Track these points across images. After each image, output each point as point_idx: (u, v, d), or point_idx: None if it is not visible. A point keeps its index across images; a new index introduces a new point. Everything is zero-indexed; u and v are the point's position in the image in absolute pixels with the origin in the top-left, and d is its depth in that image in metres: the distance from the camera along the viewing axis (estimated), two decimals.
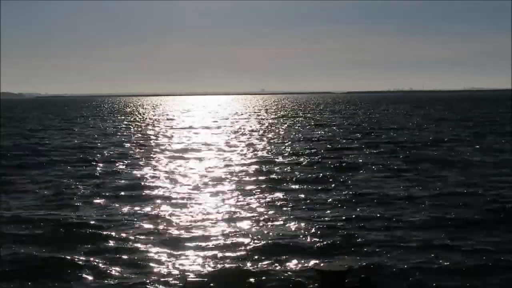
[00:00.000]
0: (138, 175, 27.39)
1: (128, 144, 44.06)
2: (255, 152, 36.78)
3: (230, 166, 30.23)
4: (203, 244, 15.42)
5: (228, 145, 42.72)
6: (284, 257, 14.24)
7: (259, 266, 13.66)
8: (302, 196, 21.65)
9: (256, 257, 14.29)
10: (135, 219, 18.19)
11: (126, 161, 32.92)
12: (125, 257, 14.48)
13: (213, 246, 15.23)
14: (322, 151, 36.91)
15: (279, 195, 21.86)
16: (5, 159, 33.75)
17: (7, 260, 14.20)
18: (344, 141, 43.82)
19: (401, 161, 31.25)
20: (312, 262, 13.42)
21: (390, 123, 68.16)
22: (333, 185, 23.91)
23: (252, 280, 12.82)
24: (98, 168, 29.77)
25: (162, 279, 12.93)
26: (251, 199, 21.20)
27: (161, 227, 17.23)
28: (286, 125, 66.89)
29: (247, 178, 25.93)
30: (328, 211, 19.02)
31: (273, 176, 26.48)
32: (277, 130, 58.18)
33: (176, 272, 13.40)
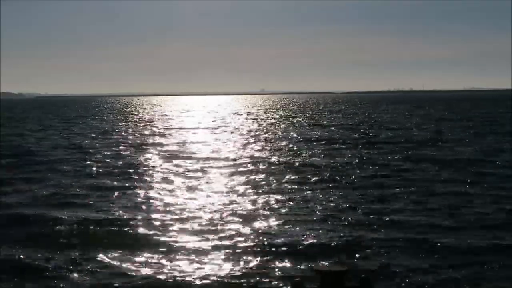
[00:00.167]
0: (136, 175, 27.33)
1: (126, 144, 44.00)
2: (254, 152, 36.73)
3: (228, 166, 30.18)
4: (202, 244, 15.37)
5: (226, 145, 42.67)
6: (283, 257, 14.19)
7: (258, 266, 13.61)
8: (301, 196, 21.60)
9: (255, 257, 14.24)
10: (132, 220, 18.11)
11: (124, 161, 32.89)
12: (123, 257, 14.43)
13: (211, 246, 15.15)
14: (321, 151, 36.86)
15: (278, 194, 21.80)
16: (3, 159, 33.69)
17: (2, 260, 14.14)
18: (342, 141, 43.73)
19: (401, 161, 31.22)
20: (311, 262, 13.38)
21: (390, 123, 68.14)
22: (331, 185, 23.86)
23: (251, 280, 12.77)
24: (94, 169, 29.66)
25: (161, 281, 12.87)
26: (248, 199, 21.13)
27: (158, 227, 17.15)
28: (285, 125, 66.86)
29: (245, 178, 25.87)
30: (328, 211, 18.96)
31: (271, 176, 26.42)
32: (275, 130, 58.15)
33: (175, 273, 13.34)
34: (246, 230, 16.73)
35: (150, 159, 33.63)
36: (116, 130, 61.92)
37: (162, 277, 13.07)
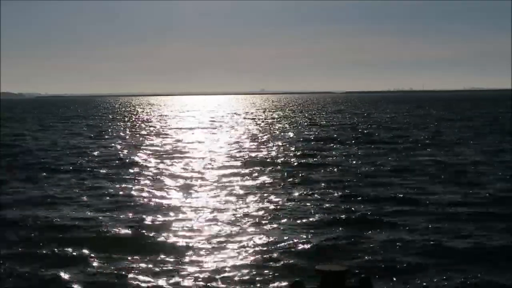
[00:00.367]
0: (133, 175, 27.31)
1: (124, 144, 43.97)
2: (251, 152, 36.72)
3: (224, 166, 30.14)
4: (200, 245, 15.34)
5: (224, 145, 42.65)
6: (283, 257, 14.17)
7: (258, 266, 13.58)
8: (300, 196, 21.57)
9: (254, 257, 14.21)
10: (126, 221, 18.03)
11: (121, 161, 32.87)
12: (117, 259, 14.38)
13: (209, 247, 15.11)
14: (319, 151, 36.85)
15: (277, 194, 21.78)
16: (1, 160, 33.68)
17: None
18: (340, 140, 43.73)
19: (401, 161, 31.19)
20: (311, 262, 13.35)
21: (389, 122, 68.13)
22: (330, 185, 23.83)
23: (251, 280, 12.75)
24: (91, 169, 29.60)
25: (159, 284, 12.85)
26: (245, 199, 21.08)
27: (155, 228, 17.09)
28: (284, 125, 66.85)
29: (241, 178, 25.84)
30: (327, 211, 18.93)
31: (270, 175, 26.40)
32: (274, 130, 58.15)
33: (173, 274, 13.32)
34: (244, 230, 16.70)
35: (146, 159, 33.50)
36: (114, 130, 61.91)
37: (162, 277, 13.05)
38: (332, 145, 40.71)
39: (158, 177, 26.65)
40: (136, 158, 34.06)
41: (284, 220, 17.75)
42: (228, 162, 31.59)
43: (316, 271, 7.06)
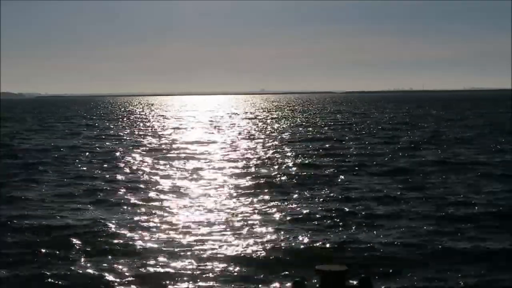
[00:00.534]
0: (130, 175, 27.30)
1: (123, 145, 43.95)
2: (250, 152, 36.70)
3: (224, 166, 30.11)
4: (198, 245, 15.33)
5: (222, 145, 42.63)
6: (283, 257, 14.16)
7: (258, 266, 13.58)
8: (299, 196, 21.56)
9: (254, 257, 14.21)
10: (119, 224, 17.98)
11: (120, 162, 32.85)
12: (109, 262, 14.36)
13: (207, 247, 15.09)
14: (317, 151, 36.82)
15: (275, 195, 21.77)
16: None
17: None
18: (338, 140, 43.70)
19: (400, 161, 31.16)
20: (311, 262, 13.34)
21: (389, 122, 68.08)
22: (331, 185, 23.81)
23: (251, 280, 12.74)
24: (88, 170, 29.56)
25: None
26: (244, 199, 21.07)
27: (153, 228, 17.13)
28: (283, 125, 66.81)
29: (240, 178, 25.81)
30: (326, 211, 18.91)
31: (268, 175, 26.37)
32: (273, 130, 58.11)
33: (171, 276, 13.31)
34: (243, 230, 16.68)
35: (144, 160, 33.42)
36: (114, 130, 61.87)
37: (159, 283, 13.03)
38: (331, 145, 40.67)
39: (157, 177, 26.62)
40: (135, 159, 34.03)
41: (284, 220, 17.74)
42: (227, 162, 31.56)
43: (316, 271, 7.05)
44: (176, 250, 14.85)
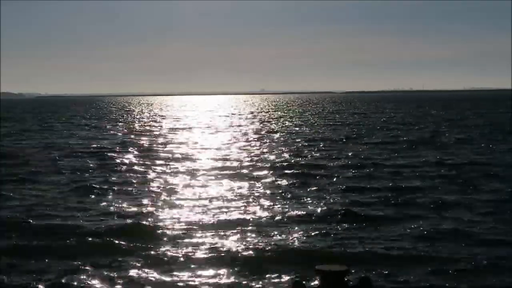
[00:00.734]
0: (127, 175, 27.26)
1: (122, 145, 43.89)
2: (249, 152, 36.67)
3: (222, 165, 30.06)
4: (197, 245, 15.31)
5: (221, 145, 42.60)
6: (283, 257, 14.14)
7: (258, 266, 13.56)
8: (298, 196, 21.53)
9: (254, 257, 14.19)
10: (118, 224, 17.95)
11: (119, 162, 32.84)
12: (103, 264, 14.32)
13: (207, 247, 15.05)
14: (315, 151, 36.81)
15: (274, 195, 21.74)
16: None
17: None
18: (337, 140, 43.68)
19: (400, 161, 31.14)
20: (311, 262, 13.33)
21: (388, 122, 68.05)
22: (330, 185, 23.78)
23: (251, 280, 12.73)
24: (87, 170, 29.53)
25: None
26: (243, 199, 21.02)
27: (150, 229, 17.09)
28: (283, 125, 66.79)
29: (237, 178, 25.76)
30: (326, 211, 18.89)
31: (267, 175, 26.35)
32: (272, 130, 58.09)
33: (169, 277, 13.30)
34: (242, 230, 16.65)
35: (143, 161, 33.30)
36: (113, 131, 61.83)
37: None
38: (330, 145, 40.65)
39: (156, 178, 26.58)
40: (134, 159, 34.00)
41: (283, 220, 17.72)
42: (225, 162, 31.50)
43: (316, 271, 7.05)
44: (174, 250, 14.84)
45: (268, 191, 22.42)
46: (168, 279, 12.89)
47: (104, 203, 20.69)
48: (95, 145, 42.75)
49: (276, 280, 12.70)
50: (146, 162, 32.07)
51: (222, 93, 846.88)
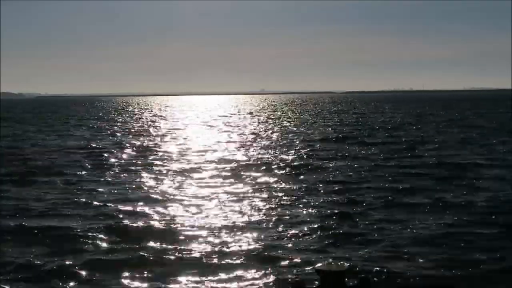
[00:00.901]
0: (125, 175, 27.23)
1: (122, 146, 43.89)
2: (248, 152, 36.66)
3: (219, 166, 30.02)
4: (196, 245, 15.29)
5: (220, 145, 42.59)
6: (283, 257, 14.12)
7: (258, 266, 13.53)
8: (297, 196, 21.51)
9: (255, 257, 14.17)
10: (116, 226, 17.88)
11: (118, 163, 32.82)
12: (98, 265, 14.26)
13: (206, 248, 15.02)
14: (315, 151, 36.79)
15: (273, 195, 21.71)
16: None
17: None
18: (337, 140, 43.66)
19: (399, 161, 31.12)
20: (311, 262, 13.31)
21: (388, 122, 68.04)
22: (330, 185, 23.76)
23: (251, 281, 12.71)
24: (88, 170, 29.52)
25: None
26: (242, 199, 20.98)
27: (147, 231, 17.06)
28: (282, 125, 66.79)
29: (236, 178, 25.72)
30: (326, 211, 18.87)
31: (266, 175, 26.32)
32: (271, 130, 58.09)
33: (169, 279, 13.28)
34: (242, 231, 16.61)
35: (142, 161, 33.32)
36: (113, 131, 61.84)
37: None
38: (330, 145, 40.64)
39: (156, 178, 26.56)
40: (132, 159, 33.96)
41: (283, 220, 17.69)
42: (224, 162, 31.47)
43: (316, 271, 7.03)
44: (173, 250, 14.82)
45: (265, 191, 22.39)
46: (162, 280, 12.86)
47: (102, 203, 20.66)
48: (94, 145, 42.72)
49: (275, 280, 12.66)
50: (144, 162, 32.05)
51: (222, 93, 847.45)
